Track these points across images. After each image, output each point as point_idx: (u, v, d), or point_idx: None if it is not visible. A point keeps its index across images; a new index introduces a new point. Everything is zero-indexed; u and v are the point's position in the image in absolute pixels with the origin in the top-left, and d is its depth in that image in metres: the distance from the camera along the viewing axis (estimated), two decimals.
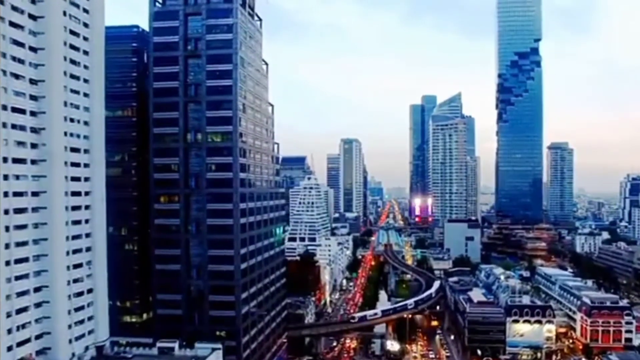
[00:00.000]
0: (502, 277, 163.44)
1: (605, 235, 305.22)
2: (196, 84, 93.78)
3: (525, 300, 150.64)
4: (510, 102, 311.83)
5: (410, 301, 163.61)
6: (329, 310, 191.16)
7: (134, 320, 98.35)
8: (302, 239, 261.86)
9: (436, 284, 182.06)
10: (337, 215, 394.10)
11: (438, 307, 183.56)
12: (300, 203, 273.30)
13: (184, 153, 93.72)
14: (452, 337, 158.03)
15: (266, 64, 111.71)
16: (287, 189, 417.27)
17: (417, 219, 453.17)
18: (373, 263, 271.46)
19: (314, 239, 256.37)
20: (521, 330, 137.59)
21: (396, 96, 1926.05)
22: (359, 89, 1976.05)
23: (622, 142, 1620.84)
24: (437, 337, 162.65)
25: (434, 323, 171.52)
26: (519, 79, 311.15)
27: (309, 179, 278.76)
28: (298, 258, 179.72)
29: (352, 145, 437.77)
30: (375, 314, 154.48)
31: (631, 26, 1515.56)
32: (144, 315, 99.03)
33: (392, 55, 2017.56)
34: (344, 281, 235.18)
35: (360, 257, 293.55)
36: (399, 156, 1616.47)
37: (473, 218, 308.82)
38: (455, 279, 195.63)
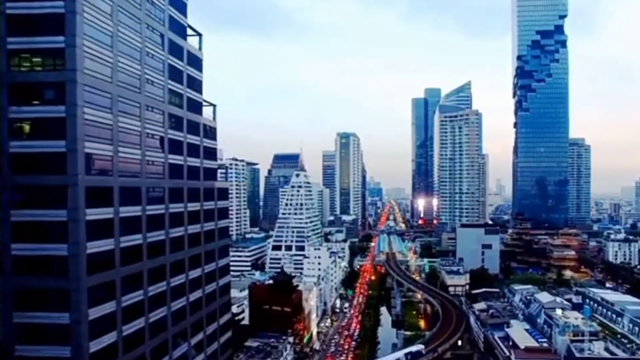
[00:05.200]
0: (559, 312, 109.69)
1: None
2: None
3: (599, 348, 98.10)
4: (531, 88, 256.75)
5: None
6: (316, 346, 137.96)
7: None
8: (289, 248, 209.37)
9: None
10: (332, 217, 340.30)
11: (460, 342, 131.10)
12: (287, 204, 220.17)
13: None
14: None
15: None
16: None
17: (420, 222, 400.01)
18: (373, 277, 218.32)
19: (302, 247, 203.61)
20: None
21: (395, 95, 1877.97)
22: (358, 89, 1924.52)
23: (622, 142, 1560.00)
24: None
25: None
26: (541, 61, 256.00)
27: (297, 176, 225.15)
28: (270, 281, 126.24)
29: (349, 140, 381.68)
30: None
31: (633, 25, 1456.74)
32: None
33: (392, 54, 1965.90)
34: (338, 301, 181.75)
35: (358, 267, 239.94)
36: (399, 156, 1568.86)
37: (490, 222, 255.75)
38: (482, 305, 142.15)
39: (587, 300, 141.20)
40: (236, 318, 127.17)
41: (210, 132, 65.72)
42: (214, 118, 67.91)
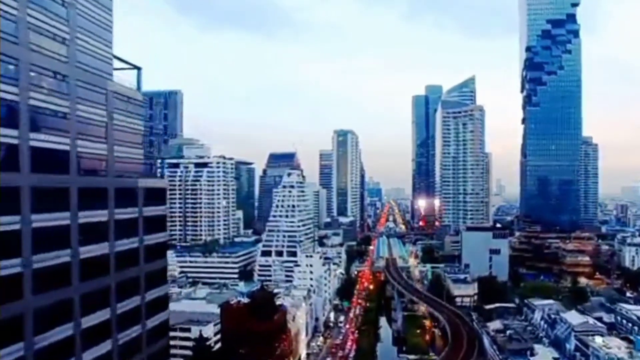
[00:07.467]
0: (599, 340, 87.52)
1: None
2: None
3: None
4: (541, 81, 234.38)
5: None
6: None
7: None
8: (279, 253, 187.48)
9: None
10: (329, 219, 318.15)
11: None
12: (278, 206, 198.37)
13: None
14: None
15: None
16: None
17: (421, 223, 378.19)
18: (372, 286, 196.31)
19: (294, 253, 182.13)
20: None
21: (396, 95, 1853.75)
22: (358, 89, 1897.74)
23: (622, 142, 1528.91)
24: None
25: None
26: (552, 52, 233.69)
27: (289, 175, 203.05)
28: (246, 300, 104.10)
29: (347, 138, 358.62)
30: None
31: (634, 25, 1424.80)
32: None
33: (392, 54, 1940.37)
34: (332, 314, 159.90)
35: (355, 273, 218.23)
36: (399, 156, 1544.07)
37: (497, 224, 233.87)
38: (497, 324, 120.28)
39: (619, 319, 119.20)
40: (213, 340, 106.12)
41: (131, 106, 43.94)
42: (139, 87, 46.14)
